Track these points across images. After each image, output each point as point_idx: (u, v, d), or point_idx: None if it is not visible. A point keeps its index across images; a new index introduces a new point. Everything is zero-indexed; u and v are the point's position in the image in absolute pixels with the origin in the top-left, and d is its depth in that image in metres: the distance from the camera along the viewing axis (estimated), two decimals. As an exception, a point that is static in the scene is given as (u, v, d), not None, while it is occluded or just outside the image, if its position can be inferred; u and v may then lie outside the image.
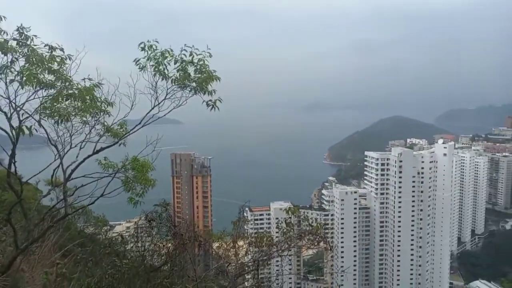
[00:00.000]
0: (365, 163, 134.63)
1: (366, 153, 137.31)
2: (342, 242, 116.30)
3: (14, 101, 6.88)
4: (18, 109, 6.94)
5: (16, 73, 7.04)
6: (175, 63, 7.35)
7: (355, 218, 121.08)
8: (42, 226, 6.80)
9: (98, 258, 6.49)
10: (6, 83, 6.97)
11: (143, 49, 7.25)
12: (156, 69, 7.32)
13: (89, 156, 7.41)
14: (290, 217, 8.17)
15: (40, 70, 7.16)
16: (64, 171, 7.11)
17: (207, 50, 7.31)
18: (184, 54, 7.32)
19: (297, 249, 8.57)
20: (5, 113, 6.83)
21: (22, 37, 7.05)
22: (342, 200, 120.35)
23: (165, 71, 7.38)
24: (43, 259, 7.11)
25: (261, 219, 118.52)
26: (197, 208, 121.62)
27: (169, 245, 6.80)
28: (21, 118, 6.93)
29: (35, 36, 7.16)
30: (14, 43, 7.00)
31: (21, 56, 7.13)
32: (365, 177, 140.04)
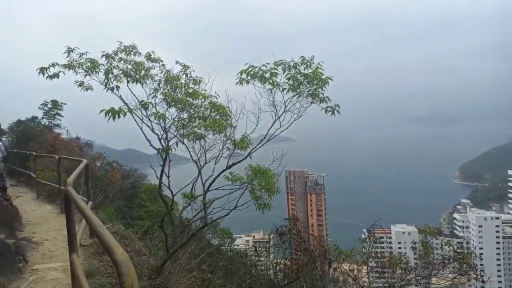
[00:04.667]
0: (509, 183, 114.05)
1: (510, 172, 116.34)
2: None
3: (164, 124, 8.02)
4: (167, 130, 8.07)
5: (161, 98, 8.19)
6: (283, 72, 7.48)
7: (498, 248, 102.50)
8: (186, 233, 7.63)
9: (235, 266, 6.90)
10: (156, 108, 8.15)
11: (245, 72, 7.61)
12: (263, 80, 7.50)
13: (223, 170, 8.05)
14: (427, 240, 7.32)
15: (180, 93, 8.19)
16: (203, 184, 7.88)
17: (310, 56, 7.30)
18: (289, 64, 7.42)
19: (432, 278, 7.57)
20: (157, 134, 8.01)
21: (155, 61, 8.10)
22: (480, 226, 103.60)
23: (275, 82, 7.51)
24: (184, 264, 7.93)
25: (381, 243, 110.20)
26: (312, 226, 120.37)
27: (299, 260, 6.80)
28: (169, 138, 8.04)
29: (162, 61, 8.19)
30: (155, 69, 8.09)
31: (162, 80, 8.21)
32: (509, 201, 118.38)
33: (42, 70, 7.23)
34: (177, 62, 8.41)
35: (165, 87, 8.14)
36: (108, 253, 2.45)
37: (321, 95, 7.39)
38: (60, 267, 6.70)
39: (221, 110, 8.15)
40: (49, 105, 20.59)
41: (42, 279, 6.18)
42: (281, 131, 7.74)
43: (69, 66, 7.20)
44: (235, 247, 21.21)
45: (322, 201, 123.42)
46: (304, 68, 7.33)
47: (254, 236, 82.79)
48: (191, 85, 8.36)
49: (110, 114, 6.46)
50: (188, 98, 8.05)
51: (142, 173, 24.89)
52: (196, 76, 8.31)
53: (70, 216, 4.18)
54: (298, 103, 7.54)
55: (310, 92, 7.32)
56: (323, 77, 7.27)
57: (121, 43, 7.59)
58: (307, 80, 7.29)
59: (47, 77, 7.33)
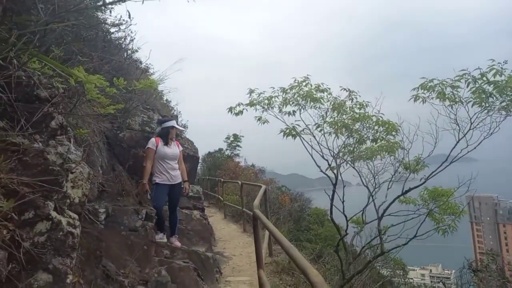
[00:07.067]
0: None
1: None
2: None
3: (332, 149, 8.23)
4: (335, 155, 8.24)
5: (329, 125, 8.43)
6: (467, 85, 6.70)
7: None
8: (360, 260, 7.45)
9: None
10: (324, 136, 8.45)
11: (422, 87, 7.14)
12: (442, 96, 6.89)
13: (399, 196, 7.61)
14: None
15: (347, 119, 8.27)
16: (377, 211, 7.61)
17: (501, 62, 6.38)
18: (473, 77, 6.59)
19: None
20: (327, 160, 8.27)
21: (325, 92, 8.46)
22: None
23: (457, 97, 6.83)
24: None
25: None
26: (509, 264, 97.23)
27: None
28: (338, 163, 8.17)
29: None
30: (323, 95, 8.45)
31: (329, 108, 8.48)
32: None
33: (230, 109, 8.63)
34: (342, 89, 8.57)
35: (332, 114, 8.39)
36: (304, 274, 2.65)
37: None
38: (248, 281, 7.52)
39: (387, 126, 7.85)
40: (231, 138, 24.34)
41: (233, 289, 7.02)
42: (468, 151, 6.80)
43: (251, 104, 8.37)
44: (409, 280, 19.17)
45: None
46: (493, 76, 6.34)
47: (430, 270, 72.76)
48: (356, 110, 8.35)
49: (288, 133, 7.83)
50: (354, 123, 8.05)
51: (307, 197, 25.71)
52: (363, 101, 8.26)
53: (257, 235, 4.68)
54: (489, 118, 6.53)
55: (503, 105, 6.25)
56: None
57: (295, 79, 8.36)
58: (497, 90, 6.27)
59: (233, 114, 8.69)
